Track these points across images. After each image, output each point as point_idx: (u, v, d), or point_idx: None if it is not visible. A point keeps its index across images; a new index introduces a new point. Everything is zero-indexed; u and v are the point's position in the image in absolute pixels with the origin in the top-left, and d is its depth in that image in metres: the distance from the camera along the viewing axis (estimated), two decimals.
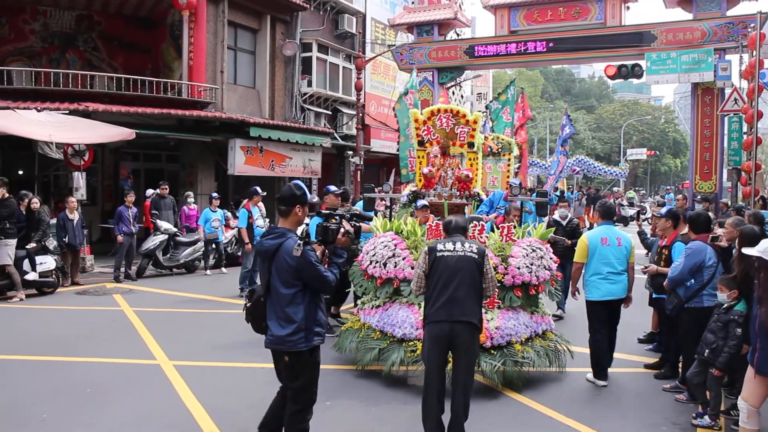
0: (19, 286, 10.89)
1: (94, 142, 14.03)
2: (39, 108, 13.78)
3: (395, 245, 7.08)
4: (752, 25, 15.11)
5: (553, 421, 5.79)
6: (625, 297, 6.98)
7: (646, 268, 7.30)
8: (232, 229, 15.15)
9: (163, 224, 14.12)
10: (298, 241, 4.08)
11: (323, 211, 4.54)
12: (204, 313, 10.22)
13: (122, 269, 13.25)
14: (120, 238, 13.06)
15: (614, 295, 6.87)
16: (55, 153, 14.06)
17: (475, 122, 8.04)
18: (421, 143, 8.37)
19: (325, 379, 6.69)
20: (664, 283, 6.59)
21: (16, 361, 7.41)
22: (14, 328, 9.05)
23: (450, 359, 5.16)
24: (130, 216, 13.25)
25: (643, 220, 9.99)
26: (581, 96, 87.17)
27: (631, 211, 31.36)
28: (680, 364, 6.77)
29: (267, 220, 12.48)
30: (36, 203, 11.63)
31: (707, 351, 5.63)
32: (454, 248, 5.08)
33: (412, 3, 22.92)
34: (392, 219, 8.54)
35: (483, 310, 6.44)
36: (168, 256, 14.23)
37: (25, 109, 13.74)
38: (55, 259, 11.67)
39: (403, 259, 6.91)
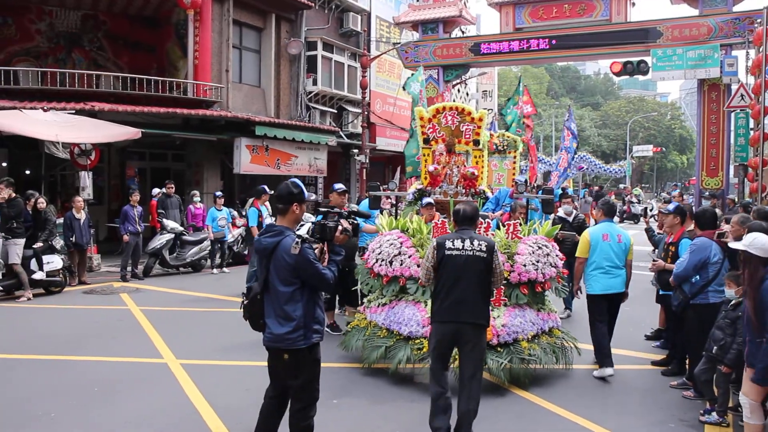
0: (26, 285, 10.93)
1: (100, 141, 14.07)
2: (45, 108, 13.81)
3: (401, 243, 7.08)
4: (758, 20, 15.03)
5: (560, 418, 5.78)
6: (623, 293, 7.14)
7: (654, 263, 7.30)
8: (238, 227, 15.18)
9: (170, 223, 14.16)
10: (296, 239, 4.08)
11: (321, 209, 4.52)
12: (211, 312, 10.24)
13: (129, 268, 13.28)
14: (126, 237, 13.09)
15: (614, 288, 7.08)
16: (61, 153, 14.11)
17: (480, 120, 8.01)
18: (426, 141, 8.36)
19: (332, 377, 6.73)
20: (670, 280, 6.59)
21: (24, 360, 7.44)
22: (22, 328, 9.10)
23: (455, 357, 5.17)
24: (136, 215, 13.28)
25: (650, 217, 9.97)
26: (587, 93, 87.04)
27: (639, 208, 31.31)
28: (687, 361, 6.75)
29: (274, 219, 12.47)
30: (42, 203, 11.67)
31: (715, 348, 5.61)
32: (463, 246, 5.05)
33: (417, 1, 22.89)
34: (398, 217, 8.53)
35: (489, 308, 6.48)
36: (174, 255, 14.27)
37: (31, 109, 13.78)
38: (62, 259, 11.71)
39: (409, 257, 6.91)
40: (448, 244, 5.11)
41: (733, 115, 16.93)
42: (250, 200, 12.86)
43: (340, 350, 7.50)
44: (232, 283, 12.79)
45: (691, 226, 7.03)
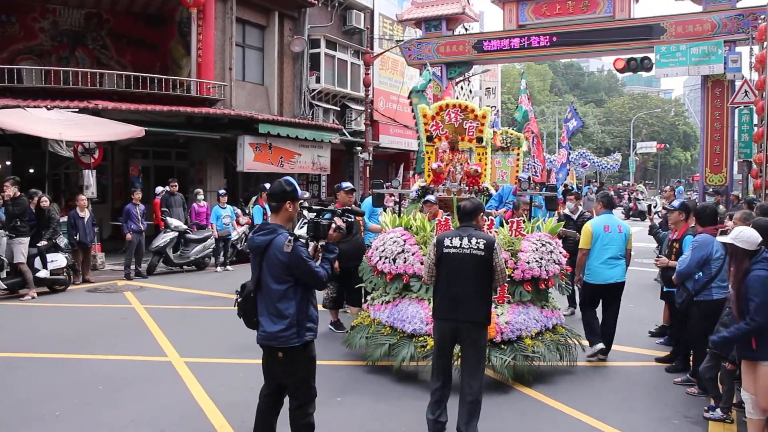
0: (31, 284, 10.96)
1: (104, 140, 14.09)
2: (49, 106, 13.83)
3: (404, 241, 7.08)
4: (762, 16, 14.99)
5: (564, 415, 5.78)
6: (623, 282, 7.46)
7: (658, 259, 7.34)
8: (242, 225, 15.19)
9: (173, 221, 14.17)
10: (289, 237, 4.08)
11: (314, 207, 4.51)
12: (215, 310, 10.26)
13: (132, 266, 13.30)
14: (128, 235, 13.10)
15: (614, 278, 7.37)
16: (65, 151, 14.14)
17: (483, 117, 8.00)
18: (429, 138, 8.35)
19: (336, 374, 6.74)
20: (673, 277, 6.60)
21: (28, 358, 7.46)
22: (26, 326, 9.13)
23: (458, 354, 5.18)
24: (138, 213, 13.27)
25: (654, 213, 9.98)
26: (590, 90, 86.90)
27: (645, 204, 31.26)
28: (691, 358, 6.75)
29: None
30: (45, 201, 11.70)
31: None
32: (461, 244, 5.06)
33: None
34: (401, 214, 8.53)
35: (493, 305, 6.47)
36: (178, 253, 14.29)
37: (35, 107, 13.80)
38: (66, 257, 11.74)
39: (413, 254, 6.91)
40: (447, 242, 5.14)
41: (737, 111, 16.89)
42: (255, 198, 12.86)
43: (343, 348, 7.51)
44: (236, 281, 12.70)
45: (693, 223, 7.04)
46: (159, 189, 15.62)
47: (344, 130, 22.87)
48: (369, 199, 10.39)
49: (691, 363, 6.75)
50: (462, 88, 29.38)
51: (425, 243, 6.96)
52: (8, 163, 17.12)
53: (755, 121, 15.40)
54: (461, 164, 8.12)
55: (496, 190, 10.41)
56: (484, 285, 5.09)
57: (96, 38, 19.32)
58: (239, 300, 4.41)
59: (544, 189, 9.46)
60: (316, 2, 21.92)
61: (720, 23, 16.77)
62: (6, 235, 10.80)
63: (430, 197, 8.21)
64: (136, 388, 6.35)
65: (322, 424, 4.51)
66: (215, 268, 14.51)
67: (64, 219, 12.81)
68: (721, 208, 11.64)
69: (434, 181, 8.31)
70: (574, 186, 26.37)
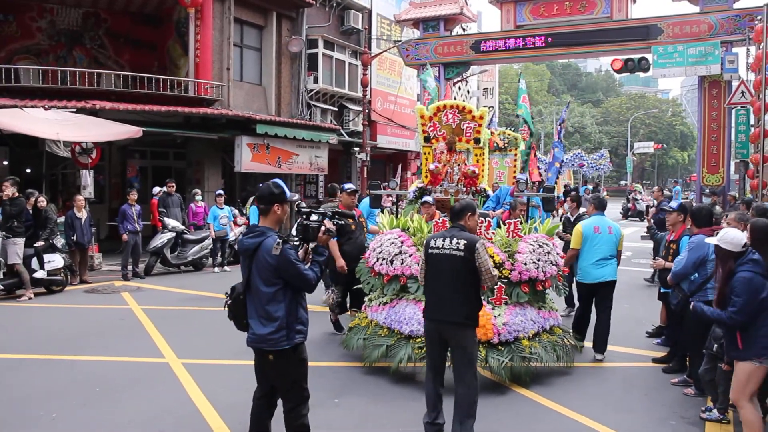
0: (27, 284, 10.94)
1: (101, 140, 14.06)
2: (46, 106, 13.80)
3: (402, 242, 7.09)
4: (759, 17, 15.02)
5: (561, 416, 5.79)
6: (614, 281, 7.63)
7: (655, 261, 7.36)
8: (240, 226, 15.17)
9: (171, 222, 14.16)
10: (278, 240, 4.09)
11: (303, 209, 4.50)
12: (212, 311, 10.23)
13: (129, 267, 13.28)
14: (124, 236, 13.07)
15: (605, 277, 7.52)
16: (62, 151, 14.11)
17: (481, 118, 8.00)
18: (427, 139, 8.36)
19: (333, 376, 6.75)
20: (668, 278, 6.61)
21: (25, 359, 7.45)
22: (23, 327, 9.10)
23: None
24: (134, 213, 13.24)
25: (651, 215, 10.03)
26: (588, 90, 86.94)
27: (644, 204, 31.30)
28: (688, 358, 6.76)
29: None
30: (42, 202, 11.68)
31: (716, 345, 5.61)
32: (443, 245, 5.07)
33: None
34: (399, 215, 8.54)
35: (490, 306, 6.49)
36: (176, 253, 14.27)
37: (32, 107, 13.77)
38: (63, 258, 11.72)
39: (410, 256, 6.92)
40: (432, 242, 5.18)
41: (733, 111, 16.92)
42: (252, 198, 12.84)
43: (341, 349, 7.52)
44: (234, 281, 12.63)
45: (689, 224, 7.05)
46: (156, 189, 15.60)
47: (342, 131, 22.87)
48: (366, 200, 10.39)
49: (687, 364, 6.76)
50: (459, 88, 29.38)
51: (422, 244, 6.96)
52: (5, 163, 17.08)
53: (752, 122, 15.46)
54: (459, 165, 8.13)
55: (494, 191, 10.42)
56: (467, 285, 5.03)
57: (93, 38, 19.29)
58: (229, 302, 4.41)
59: (542, 190, 9.47)
60: (314, 2, 21.91)
61: (717, 24, 16.80)
62: (2, 235, 10.78)
63: (428, 198, 8.21)
64: (133, 390, 6.34)
65: (320, 425, 4.52)
66: (213, 268, 14.50)
67: (62, 219, 12.79)
68: (718, 208, 11.64)
69: (432, 182, 8.32)
70: (572, 186, 26.41)
